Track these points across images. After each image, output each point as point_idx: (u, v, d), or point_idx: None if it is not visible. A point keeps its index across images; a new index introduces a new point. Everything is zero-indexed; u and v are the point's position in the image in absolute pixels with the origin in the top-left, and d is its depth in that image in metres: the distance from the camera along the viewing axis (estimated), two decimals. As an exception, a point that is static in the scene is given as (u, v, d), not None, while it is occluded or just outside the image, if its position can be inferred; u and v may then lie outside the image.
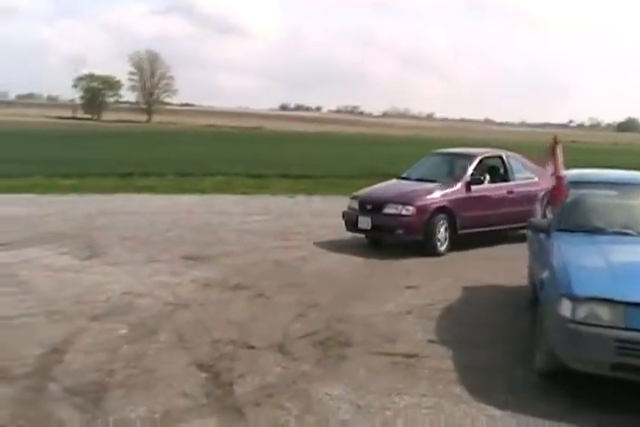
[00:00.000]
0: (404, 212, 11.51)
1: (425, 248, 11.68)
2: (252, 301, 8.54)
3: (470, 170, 12.53)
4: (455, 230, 12.03)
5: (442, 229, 11.81)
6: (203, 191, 20.72)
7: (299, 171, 26.72)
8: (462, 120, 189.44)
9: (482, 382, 6.04)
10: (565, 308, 5.59)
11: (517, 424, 5.24)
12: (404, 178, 13.26)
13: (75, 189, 19.88)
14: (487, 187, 12.74)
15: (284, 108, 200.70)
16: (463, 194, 12.18)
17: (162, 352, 6.55)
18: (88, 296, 8.48)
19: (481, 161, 12.96)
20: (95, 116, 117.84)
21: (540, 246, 7.39)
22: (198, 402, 5.44)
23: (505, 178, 13.17)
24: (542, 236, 7.36)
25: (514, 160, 13.63)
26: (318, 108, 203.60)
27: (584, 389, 5.89)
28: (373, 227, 11.80)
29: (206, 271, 10.02)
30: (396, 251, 11.87)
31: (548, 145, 8.15)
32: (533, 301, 8.14)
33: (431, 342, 7.10)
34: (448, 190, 12.08)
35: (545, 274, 6.45)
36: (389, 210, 11.66)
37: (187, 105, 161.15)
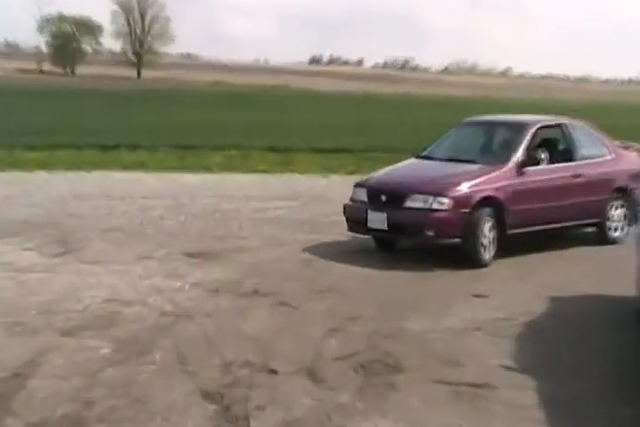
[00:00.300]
0: (435, 205, 10.60)
1: (463, 255, 10.85)
2: (274, 310, 8.56)
3: (523, 145, 11.69)
4: (503, 230, 11.15)
5: (487, 229, 10.92)
6: (209, 169, 20.78)
7: (333, 143, 26.65)
8: (546, 77, 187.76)
9: (575, 424, 5.99)
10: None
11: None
12: (426, 157, 12.54)
13: (43, 166, 20.04)
14: (546, 169, 11.92)
15: (314, 61, 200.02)
16: (515, 179, 11.32)
17: (156, 377, 6.56)
18: (60, 304, 8.54)
19: (536, 133, 12.16)
20: (68, 70, 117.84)
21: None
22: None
23: (568, 156, 12.39)
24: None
25: (581, 132, 12.86)
26: (359, 62, 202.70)
27: None
28: (391, 226, 10.91)
29: (214, 272, 10.09)
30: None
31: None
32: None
33: (507, 368, 7.06)
34: (493, 175, 11.23)
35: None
36: (414, 203, 10.77)
37: (188, 57, 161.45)
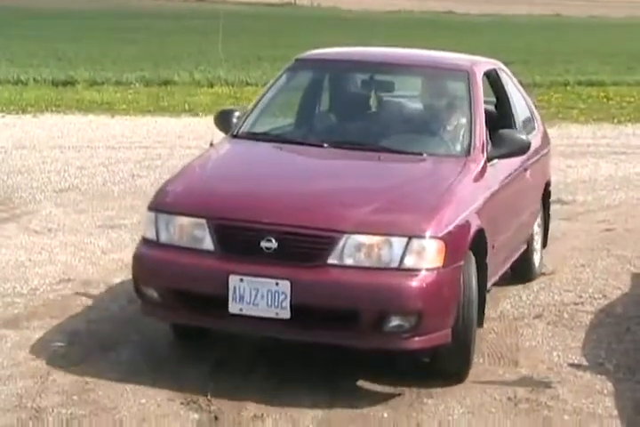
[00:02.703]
0: (409, 260, 6.19)
1: (447, 364, 6.72)
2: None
3: (480, 115, 7.74)
4: (483, 287, 7.14)
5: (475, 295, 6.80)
6: (192, 111, 20.69)
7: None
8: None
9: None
10: None
11: None
12: (265, 138, 8.00)
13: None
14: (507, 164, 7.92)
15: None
16: (487, 185, 7.40)
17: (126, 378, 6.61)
18: (0, 286, 8.57)
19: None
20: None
21: None
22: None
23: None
24: None
25: (513, 84, 9.30)
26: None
27: None
28: (299, 312, 6.16)
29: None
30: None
31: None
32: None
33: (576, 366, 7.10)
34: (465, 180, 7.18)
35: None
36: (356, 256, 6.24)
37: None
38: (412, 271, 6.12)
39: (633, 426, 6.14)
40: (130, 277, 7.49)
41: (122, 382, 6.54)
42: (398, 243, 6.12)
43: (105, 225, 10.79)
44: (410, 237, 6.13)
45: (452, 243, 6.29)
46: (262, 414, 6.00)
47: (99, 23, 55.67)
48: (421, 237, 6.17)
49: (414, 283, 6.07)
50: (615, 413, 6.32)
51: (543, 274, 9.29)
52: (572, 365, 7.12)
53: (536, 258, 9.20)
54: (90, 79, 24.66)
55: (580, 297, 8.74)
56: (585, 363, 7.18)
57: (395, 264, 6.11)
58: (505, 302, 8.36)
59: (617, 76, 28.26)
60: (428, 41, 31.56)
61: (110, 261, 9.29)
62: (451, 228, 6.37)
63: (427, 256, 6.15)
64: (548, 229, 9.78)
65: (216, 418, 5.96)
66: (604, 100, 23.89)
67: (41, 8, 70.15)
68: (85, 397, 6.28)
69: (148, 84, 24.73)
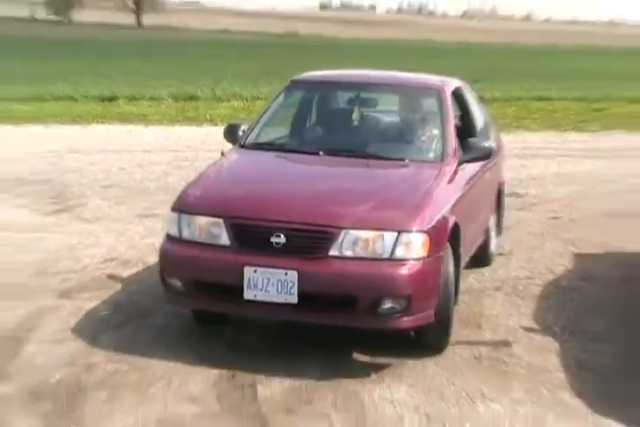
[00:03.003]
0: (399, 251, 6.01)
1: (430, 336, 6.53)
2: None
3: (451, 126, 7.61)
4: (458, 272, 6.93)
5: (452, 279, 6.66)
6: (213, 121, 20.71)
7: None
8: (573, 22, 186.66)
9: (602, 389, 6.00)
10: None
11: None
12: (270, 148, 7.80)
13: (35, 118, 19.99)
14: (472, 168, 7.71)
15: (324, 7, 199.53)
16: (461, 185, 7.28)
17: (158, 342, 6.61)
18: (56, 265, 8.54)
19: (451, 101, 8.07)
20: (64, 18, 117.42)
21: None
22: None
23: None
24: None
25: (472, 97, 9.10)
26: (372, 7, 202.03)
27: None
28: (305, 298, 5.98)
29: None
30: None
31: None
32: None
33: (528, 329, 7.11)
34: (442, 181, 6.96)
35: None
36: (353, 248, 6.03)
37: (192, 3, 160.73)
38: (402, 261, 5.96)
39: (575, 377, 6.13)
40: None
41: (155, 343, 6.55)
42: (389, 237, 5.97)
43: (141, 215, 10.78)
44: (399, 232, 5.99)
45: (434, 236, 6.14)
46: (271, 375, 5.98)
47: (135, 50, 55.75)
48: (409, 231, 6.01)
49: (404, 271, 5.92)
50: (561, 367, 6.32)
51: (501, 254, 9.27)
52: (525, 328, 7.12)
53: (492, 245, 9.05)
54: (129, 95, 24.71)
55: (532, 273, 8.74)
56: (536, 327, 7.17)
57: (387, 255, 5.96)
58: (471, 278, 8.34)
59: (561, 93, 28.30)
60: (407, 64, 31.63)
61: (146, 244, 9.26)
62: (433, 223, 6.20)
63: (413, 248, 6.00)
64: (501, 221, 9.68)
65: (233, 376, 5.95)
66: (551, 112, 23.97)
67: (89, 37, 70.24)
68: (126, 356, 6.27)
69: (176, 99, 24.82)
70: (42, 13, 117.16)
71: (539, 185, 13.44)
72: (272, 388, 5.78)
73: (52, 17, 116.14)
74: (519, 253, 9.48)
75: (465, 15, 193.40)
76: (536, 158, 15.96)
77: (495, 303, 7.76)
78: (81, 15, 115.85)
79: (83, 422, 5.27)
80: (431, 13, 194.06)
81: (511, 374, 6.19)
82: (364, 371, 6.15)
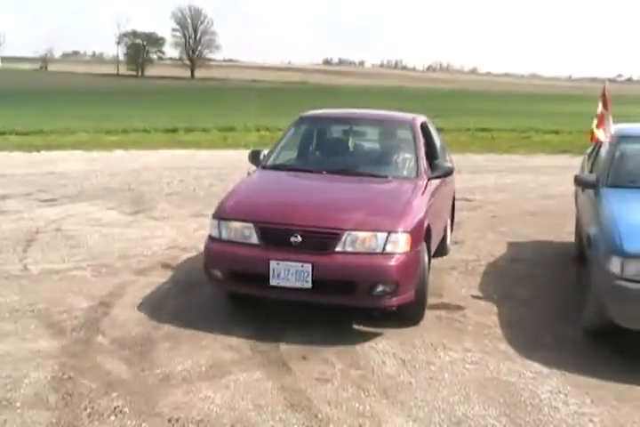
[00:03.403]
0: (389, 247, 5.91)
1: (410, 312, 6.39)
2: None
3: (423, 149, 7.50)
4: (429, 261, 6.81)
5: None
6: (246, 146, 20.65)
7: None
8: (507, 75, 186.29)
9: (527, 339, 6.00)
10: (615, 265, 5.49)
11: (564, 382, 5.19)
12: (286, 168, 7.60)
13: (120, 146, 19.94)
14: (437, 182, 7.54)
15: (327, 62, 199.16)
16: (430, 195, 7.07)
17: (206, 306, 6.61)
18: (134, 250, 8.54)
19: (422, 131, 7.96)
20: (139, 73, 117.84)
21: (588, 202, 7.23)
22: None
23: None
24: (590, 191, 7.20)
25: (436, 131, 8.88)
26: (361, 63, 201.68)
27: (632, 348, 5.81)
28: (318, 283, 5.86)
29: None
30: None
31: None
32: (579, 257, 8.09)
33: (475, 297, 7.11)
34: (417, 192, 6.82)
35: (593, 231, 6.33)
36: (353, 245, 5.92)
37: (230, 61, 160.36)
38: (391, 255, 5.86)
39: (508, 331, 6.14)
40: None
41: (204, 308, 6.58)
42: (381, 236, 5.87)
43: (195, 215, 10.73)
44: (389, 232, 5.88)
45: (415, 235, 6.03)
46: (290, 335, 5.99)
47: (191, 95, 55.81)
48: (396, 231, 5.90)
49: (392, 262, 5.82)
50: (498, 324, 6.34)
51: (455, 243, 9.25)
52: (473, 296, 7.11)
53: (448, 238, 8.89)
54: (186, 128, 24.68)
55: (478, 256, 8.70)
56: (481, 295, 7.16)
57: (379, 250, 5.85)
58: (434, 261, 8.27)
59: (498, 125, 28.21)
60: (386, 104, 31.57)
61: (199, 236, 9.18)
62: (413, 225, 6.09)
63: (400, 244, 5.89)
64: (454, 221, 9.56)
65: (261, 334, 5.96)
66: (491, 139, 23.90)
67: (158, 86, 70.31)
68: (183, 316, 6.29)
69: (220, 130, 24.72)
70: (123, 69, 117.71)
71: (482, 192, 13.39)
72: (290, 343, 5.78)
73: (131, 72, 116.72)
74: (468, 242, 9.44)
75: (429, 68, 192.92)
76: (480, 173, 15.91)
77: (451, 279, 7.74)
78: (151, 71, 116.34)
79: (154, 363, 5.29)
80: (404, 67, 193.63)
81: (463, 330, 6.19)
82: (357, 333, 6.17)
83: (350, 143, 7.99)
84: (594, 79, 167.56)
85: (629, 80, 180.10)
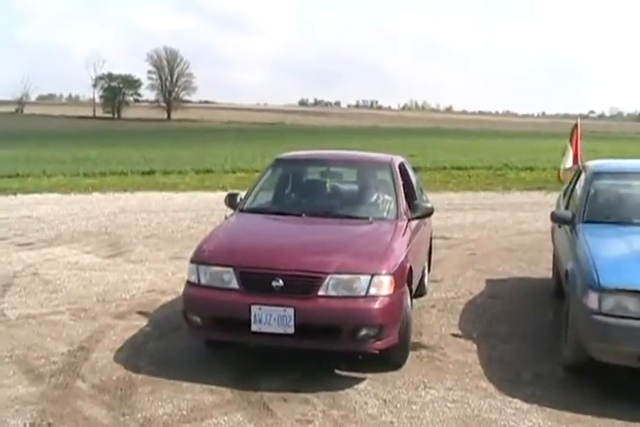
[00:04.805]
0: (373, 290, 5.74)
1: (393, 358, 6.24)
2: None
3: (401, 191, 7.38)
4: (411, 303, 6.67)
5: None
6: (224, 188, 20.71)
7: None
8: (481, 113, 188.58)
9: (507, 376, 6.02)
10: (592, 299, 5.55)
11: (545, 417, 5.22)
12: (263, 211, 7.40)
13: (97, 188, 19.95)
14: (416, 222, 7.49)
15: (302, 103, 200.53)
16: (410, 237, 6.93)
17: (188, 349, 6.59)
18: (113, 294, 8.51)
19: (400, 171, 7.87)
20: (115, 115, 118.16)
21: (565, 238, 7.33)
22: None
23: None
24: (566, 227, 7.30)
25: (412, 171, 8.89)
26: (337, 103, 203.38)
27: (610, 382, 5.85)
28: (301, 328, 5.70)
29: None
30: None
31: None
32: (557, 293, 8.16)
33: (455, 335, 7.13)
34: (397, 234, 6.69)
35: (570, 266, 6.40)
36: (336, 289, 5.74)
37: (206, 102, 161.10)
38: (375, 297, 5.67)
39: (487, 368, 6.17)
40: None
41: (184, 350, 6.54)
42: (365, 279, 5.69)
43: (173, 257, 10.71)
44: (372, 275, 5.70)
45: (397, 277, 5.87)
46: (270, 376, 5.97)
47: (166, 136, 55.97)
48: (379, 274, 5.73)
49: (376, 305, 5.65)
50: (478, 362, 6.37)
51: (434, 281, 9.28)
52: (453, 334, 7.13)
53: (426, 278, 8.71)
54: (163, 170, 24.74)
55: (457, 294, 8.75)
56: (460, 333, 7.19)
57: (363, 293, 5.67)
58: (413, 299, 8.36)
59: (473, 163, 28.47)
60: (361, 143, 31.93)
61: (177, 278, 9.18)
62: (396, 267, 5.93)
63: (383, 287, 5.71)
64: (431, 260, 9.33)
65: (242, 377, 5.93)
66: (467, 177, 24.11)
67: (133, 128, 70.40)
68: (164, 359, 6.28)
69: (197, 172, 24.79)
70: (100, 112, 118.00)
71: (459, 230, 13.47)
72: (270, 385, 5.77)
73: (108, 114, 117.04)
74: (447, 279, 9.47)
75: (404, 108, 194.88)
76: (457, 211, 16.03)
77: (431, 317, 7.76)
78: (127, 113, 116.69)
79: (135, 407, 5.25)
80: (379, 107, 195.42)
81: (444, 368, 6.20)
82: (338, 375, 6.16)
83: (329, 185, 7.89)
84: (567, 115, 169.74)
85: (601, 117, 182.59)
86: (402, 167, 8.03)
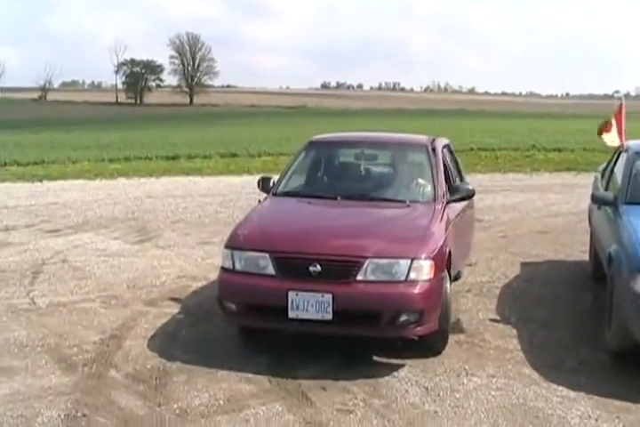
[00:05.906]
0: (413, 274, 5.62)
1: (432, 342, 6.07)
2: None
3: (441, 173, 7.13)
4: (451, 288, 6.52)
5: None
6: (249, 172, 20.59)
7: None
8: (504, 94, 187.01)
9: (550, 362, 5.87)
10: (639, 283, 5.37)
11: (592, 406, 5.05)
12: (298, 195, 7.24)
13: (122, 173, 19.87)
14: (457, 206, 7.25)
15: (325, 86, 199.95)
16: (450, 220, 6.75)
17: (221, 336, 6.48)
18: (143, 280, 8.41)
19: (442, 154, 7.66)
20: (138, 101, 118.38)
21: (606, 220, 7.13)
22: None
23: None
24: (607, 209, 7.10)
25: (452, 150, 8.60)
26: (360, 86, 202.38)
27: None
28: (340, 314, 5.59)
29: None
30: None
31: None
32: (594, 276, 7.99)
33: (493, 320, 6.99)
34: (435, 218, 6.47)
35: (614, 248, 6.21)
36: (375, 273, 5.63)
37: (228, 86, 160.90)
38: (415, 282, 5.54)
39: (529, 355, 6.02)
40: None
41: (218, 337, 6.45)
42: (404, 263, 5.55)
43: (202, 242, 10.63)
44: (412, 259, 5.57)
45: (437, 261, 5.73)
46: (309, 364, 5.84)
47: (189, 121, 56.00)
48: (419, 258, 5.60)
49: (417, 290, 5.52)
50: (519, 347, 6.22)
51: (469, 265, 9.07)
52: (491, 319, 6.99)
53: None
54: (188, 154, 24.63)
55: (492, 278, 8.60)
56: (498, 318, 7.04)
57: (402, 278, 5.54)
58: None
59: (500, 145, 28.10)
60: (385, 125, 31.71)
61: (207, 264, 9.12)
62: (436, 251, 5.78)
63: (423, 271, 5.58)
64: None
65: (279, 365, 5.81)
66: (495, 158, 23.80)
67: (156, 113, 70.55)
68: (197, 347, 6.18)
69: (222, 156, 24.64)
70: (122, 97, 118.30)
71: (490, 212, 13.26)
72: (308, 374, 5.63)
73: (130, 100, 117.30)
74: (481, 263, 9.31)
75: (427, 90, 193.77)
76: (486, 193, 15.77)
77: (467, 301, 7.61)
78: (150, 98, 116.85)
79: (170, 397, 5.15)
80: (402, 89, 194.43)
81: (484, 354, 6.06)
82: (377, 361, 6.02)
83: (363, 167, 7.68)
84: (591, 96, 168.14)
85: (626, 96, 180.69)
86: (445, 149, 7.82)
